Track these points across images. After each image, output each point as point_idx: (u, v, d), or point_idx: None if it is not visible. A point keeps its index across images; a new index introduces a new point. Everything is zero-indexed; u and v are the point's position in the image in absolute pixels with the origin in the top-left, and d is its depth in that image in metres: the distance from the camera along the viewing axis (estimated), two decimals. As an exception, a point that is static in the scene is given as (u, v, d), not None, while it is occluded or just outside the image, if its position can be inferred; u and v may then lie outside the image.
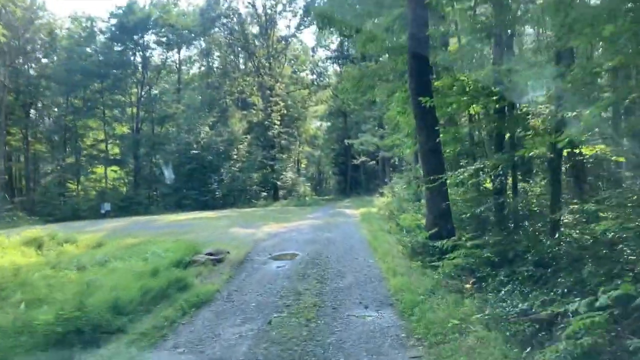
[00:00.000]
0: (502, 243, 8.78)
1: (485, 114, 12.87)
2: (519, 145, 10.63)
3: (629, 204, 7.36)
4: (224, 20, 53.37)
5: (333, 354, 5.95)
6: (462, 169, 9.30)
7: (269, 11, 53.89)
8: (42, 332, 6.34)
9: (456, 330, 6.06)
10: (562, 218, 9.38)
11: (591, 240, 7.51)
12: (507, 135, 10.99)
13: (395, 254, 11.95)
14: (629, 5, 5.87)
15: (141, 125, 50.68)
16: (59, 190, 45.09)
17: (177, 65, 56.45)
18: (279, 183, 49.43)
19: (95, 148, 50.77)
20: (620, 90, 5.92)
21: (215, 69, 57.07)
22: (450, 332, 6.05)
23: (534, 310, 5.71)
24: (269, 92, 50.93)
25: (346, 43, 53.73)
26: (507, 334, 5.53)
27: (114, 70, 48.41)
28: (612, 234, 6.27)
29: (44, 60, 50.44)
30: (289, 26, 70.25)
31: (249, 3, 53.46)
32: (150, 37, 51.29)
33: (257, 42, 55.31)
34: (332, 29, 18.45)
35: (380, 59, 20.81)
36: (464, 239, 9.32)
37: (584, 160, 10.27)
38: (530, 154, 9.54)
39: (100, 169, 49.39)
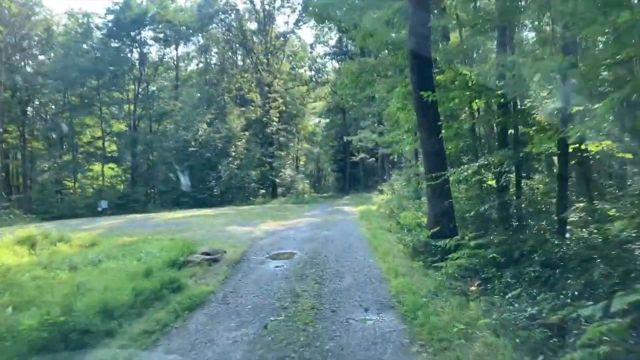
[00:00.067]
0: (507, 242, 8.48)
1: (486, 110, 12.59)
2: (523, 141, 10.35)
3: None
4: (222, 16, 53.12)
5: (332, 362, 5.65)
6: (465, 166, 8.99)
7: (267, 7, 53.66)
8: (27, 338, 6.02)
9: (462, 336, 5.73)
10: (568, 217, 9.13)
11: (601, 240, 7.23)
12: (511, 131, 10.71)
13: (396, 253, 11.63)
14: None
15: (138, 122, 50.35)
16: (55, 188, 44.76)
17: (175, 62, 56.09)
18: (277, 180, 49.19)
19: (93, 145, 50.47)
20: (637, 84, 5.56)
21: (213, 66, 56.78)
22: (456, 338, 5.72)
23: (544, 314, 5.40)
24: (267, 88, 50.64)
25: (345, 39, 53.44)
26: (517, 340, 5.20)
27: (111, 67, 48.11)
28: (626, 234, 5.96)
29: (41, 57, 50.20)
30: (287, 22, 70.31)
31: (247, -1, 53.16)
32: (147, 34, 51.12)
33: (255, 39, 55.03)
34: (330, 25, 18.13)
35: (380, 55, 20.50)
36: (467, 238, 9.03)
37: (590, 157, 9.99)
38: (535, 151, 9.23)
39: (97, 167, 49.10)
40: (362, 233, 16.67)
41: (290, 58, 60.32)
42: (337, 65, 58.86)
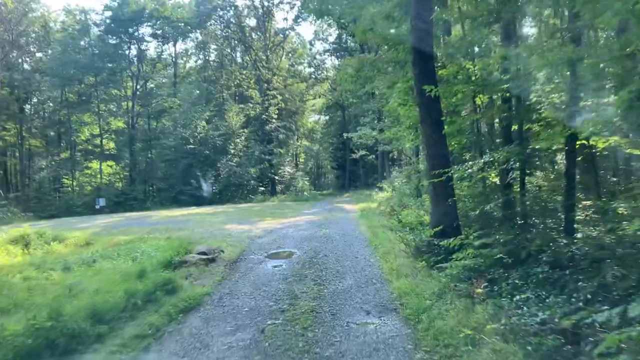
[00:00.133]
0: (513, 242, 8.15)
1: (490, 105, 12.29)
2: (528, 137, 10.04)
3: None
4: (220, 13, 52.74)
5: (332, 370, 5.36)
6: (470, 163, 8.67)
7: (265, 3, 53.21)
8: (11, 344, 5.73)
9: (469, 342, 5.43)
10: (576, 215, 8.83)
11: (613, 240, 6.92)
12: (516, 126, 10.40)
13: (398, 252, 11.32)
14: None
15: (137, 119, 49.96)
16: (53, 186, 44.46)
17: (173, 59, 55.69)
18: (276, 178, 48.92)
19: (91, 143, 50.17)
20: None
21: (211, 63, 56.39)
22: (463, 344, 5.43)
23: (557, 320, 5.09)
24: (266, 85, 50.33)
25: (344, 35, 53.16)
26: (528, 347, 4.90)
27: (109, 64, 47.73)
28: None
29: (39, 54, 49.83)
30: (286, 19, 69.87)
31: (246, -5, 52.81)
32: (145, 30, 50.61)
33: (254, 35, 54.67)
34: (330, 21, 17.83)
35: (380, 51, 20.18)
36: (471, 237, 8.71)
37: (597, 153, 9.68)
38: (539, 147, 8.90)
39: (95, 164, 48.77)
40: (363, 231, 16.39)
41: (290, 55, 59.98)
42: (336, 62, 58.55)
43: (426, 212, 15.18)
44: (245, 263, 11.78)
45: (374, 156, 46.83)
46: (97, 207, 37.75)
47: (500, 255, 7.38)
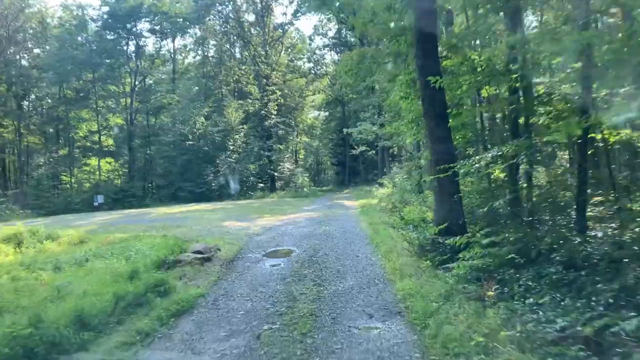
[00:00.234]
0: (523, 240, 7.72)
1: (495, 98, 11.86)
2: (538, 130, 9.61)
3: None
4: (219, 8, 52.11)
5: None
6: (477, 157, 8.22)
7: (264, -3, 52.55)
8: (-13, 353, 5.33)
9: (481, 350, 4.97)
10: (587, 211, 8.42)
11: (631, 239, 6.50)
12: (523, 119, 9.97)
13: (400, 251, 10.88)
14: None
15: (135, 116, 49.50)
16: (52, 183, 44.05)
17: (172, 55, 55.14)
18: (276, 174, 48.46)
19: (89, 139, 49.77)
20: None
21: (210, 58, 55.83)
22: (475, 353, 4.96)
23: (579, 328, 4.65)
24: (265, 81, 49.81)
25: (344, 30, 52.65)
26: (549, 359, 4.45)
27: (107, 60, 47.27)
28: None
29: (36, 51, 49.41)
30: (285, 13, 69.13)
31: (245, -11, 52.19)
32: (143, 26, 50.09)
33: (253, 30, 54.10)
34: (329, 15, 17.38)
35: (380, 47, 19.71)
36: (478, 235, 8.28)
37: (608, 147, 9.25)
38: (552, 139, 8.49)
39: (93, 161, 48.39)
40: (363, 229, 15.99)
41: (289, 50, 59.43)
42: (336, 57, 57.98)
43: (429, 208, 14.75)
44: (243, 262, 11.37)
45: (374, 152, 46.36)
46: (96, 204, 37.37)
47: (512, 255, 6.93)
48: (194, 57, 57.60)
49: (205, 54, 56.12)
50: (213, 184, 42.86)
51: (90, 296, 7.49)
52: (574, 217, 8.68)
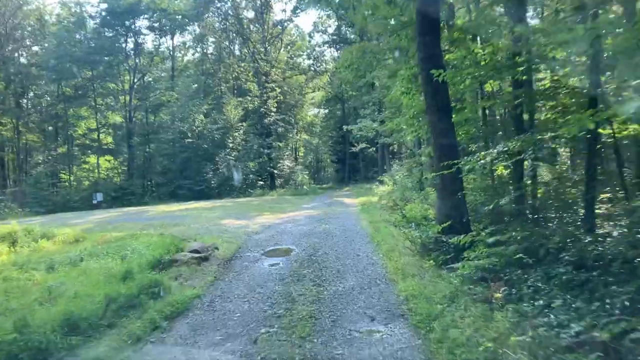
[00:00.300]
0: (529, 239, 7.43)
1: (499, 92, 11.60)
2: (541, 125, 9.34)
3: None
4: (218, 5, 51.80)
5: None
6: (482, 153, 7.93)
7: (264, -6, 52.20)
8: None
9: (491, 357, 4.68)
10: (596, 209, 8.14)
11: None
12: (528, 114, 9.70)
13: (402, 250, 10.59)
14: None
15: (134, 113, 49.21)
16: (51, 181, 43.77)
17: (171, 52, 54.79)
18: (275, 172, 48.19)
19: (88, 137, 49.50)
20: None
21: (209, 55, 55.50)
22: (483, 359, 4.71)
23: (596, 333, 4.36)
24: (264, 78, 49.49)
25: (344, 27, 52.35)
26: (564, 367, 4.19)
27: (106, 57, 46.83)
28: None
29: (35, 48, 49.11)
30: (284, 10, 68.84)
31: (244, -14, 51.84)
32: (142, 23, 49.73)
33: (252, 27, 53.78)
34: (329, 11, 17.07)
35: (380, 43, 19.42)
36: (483, 234, 8.00)
37: (617, 142, 8.96)
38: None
39: (92, 159, 48.13)
40: (364, 227, 15.70)
41: (288, 47, 59.12)
42: (336, 54, 57.71)
43: (431, 206, 14.49)
44: (241, 261, 11.10)
45: (374, 149, 46.13)
46: (95, 202, 37.16)
47: (520, 255, 6.64)
48: (193, 55, 57.44)
49: (204, 51, 55.87)
50: (212, 182, 42.63)
51: (82, 298, 7.22)
52: (582, 214, 8.42)
